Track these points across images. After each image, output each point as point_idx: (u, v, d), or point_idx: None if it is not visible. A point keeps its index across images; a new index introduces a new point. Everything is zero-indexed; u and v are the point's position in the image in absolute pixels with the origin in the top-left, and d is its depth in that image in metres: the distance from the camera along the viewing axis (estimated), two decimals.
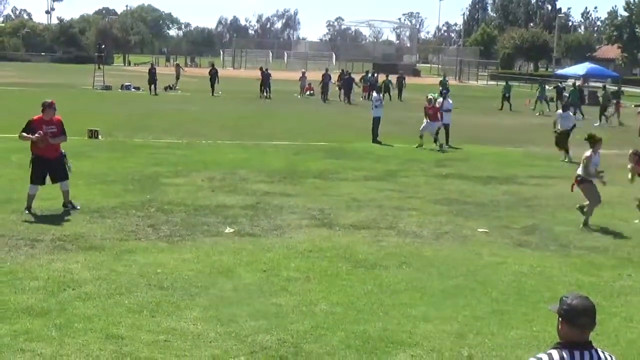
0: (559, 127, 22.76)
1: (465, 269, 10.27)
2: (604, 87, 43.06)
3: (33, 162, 12.75)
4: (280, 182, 16.54)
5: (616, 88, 44.84)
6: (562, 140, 22.56)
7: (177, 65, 55.36)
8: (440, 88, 37.58)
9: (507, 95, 44.47)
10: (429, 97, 24.57)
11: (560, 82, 49.65)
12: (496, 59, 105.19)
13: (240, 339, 7.45)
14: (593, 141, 13.55)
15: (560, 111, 23.60)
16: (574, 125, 23.03)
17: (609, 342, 7.52)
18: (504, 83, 48.07)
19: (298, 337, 7.53)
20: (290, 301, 8.63)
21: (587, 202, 13.42)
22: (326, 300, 8.68)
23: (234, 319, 7.98)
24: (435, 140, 23.90)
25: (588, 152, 13.41)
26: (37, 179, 12.71)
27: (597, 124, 36.51)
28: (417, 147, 23.70)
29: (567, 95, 42.19)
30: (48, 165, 12.77)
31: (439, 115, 24.15)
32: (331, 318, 8.12)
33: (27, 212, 12.45)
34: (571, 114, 23.79)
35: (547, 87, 46.36)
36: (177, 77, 50.60)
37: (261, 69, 48.27)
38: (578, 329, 3.97)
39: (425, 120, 24.08)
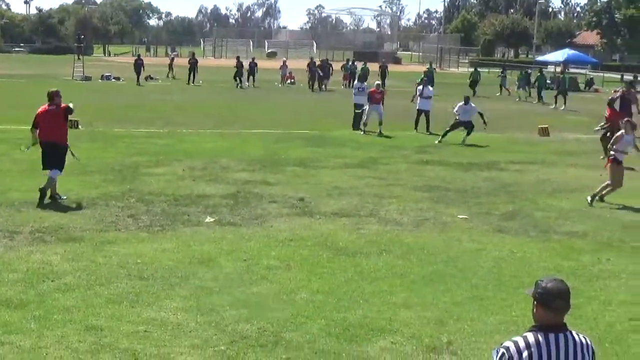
0: (458, 118, 22.83)
1: (445, 255, 10.32)
2: (562, 72, 45.86)
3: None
4: (261, 170, 16.52)
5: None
6: (456, 127, 22.80)
7: (172, 59, 55.19)
8: (423, 75, 37.58)
9: (477, 80, 45.21)
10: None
11: (528, 69, 50.09)
12: (477, 45, 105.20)
13: (220, 328, 7.45)
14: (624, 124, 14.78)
15: (461, 103, 23.11)
16: (477, 118, 23.01)
17: (587, 325, 7.59)
18: (472, 69, 48.64)
19: (278, 326, 7.54)
20: (270, 290, 8.64)
21: None
22: (306, 289, 8.69)
23: (214, 308, 7.98)
24: (380, 124, 24.04)
25: (619, 132, 14.51)
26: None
27: (553, 106, 37.24)
28: (362, 133, 24.08)
29: (534, 80, 43.06)
30: (52, 149, 12.87)
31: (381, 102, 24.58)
32: (311, 306, 8.14)
33: (59, 198, 12.73)
34: (473, 105, 23.36)
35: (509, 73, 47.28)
36: (170, 67, 50.89)
37: (237, 58, 47.95)
38: (553, 312, 4.00)
39: (366, 106, 24.42)
